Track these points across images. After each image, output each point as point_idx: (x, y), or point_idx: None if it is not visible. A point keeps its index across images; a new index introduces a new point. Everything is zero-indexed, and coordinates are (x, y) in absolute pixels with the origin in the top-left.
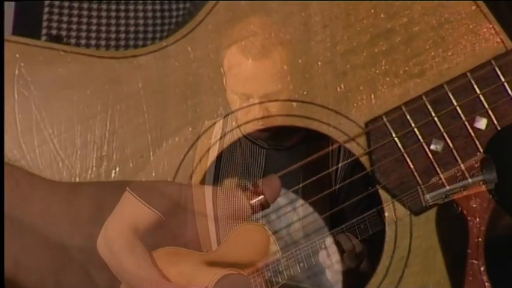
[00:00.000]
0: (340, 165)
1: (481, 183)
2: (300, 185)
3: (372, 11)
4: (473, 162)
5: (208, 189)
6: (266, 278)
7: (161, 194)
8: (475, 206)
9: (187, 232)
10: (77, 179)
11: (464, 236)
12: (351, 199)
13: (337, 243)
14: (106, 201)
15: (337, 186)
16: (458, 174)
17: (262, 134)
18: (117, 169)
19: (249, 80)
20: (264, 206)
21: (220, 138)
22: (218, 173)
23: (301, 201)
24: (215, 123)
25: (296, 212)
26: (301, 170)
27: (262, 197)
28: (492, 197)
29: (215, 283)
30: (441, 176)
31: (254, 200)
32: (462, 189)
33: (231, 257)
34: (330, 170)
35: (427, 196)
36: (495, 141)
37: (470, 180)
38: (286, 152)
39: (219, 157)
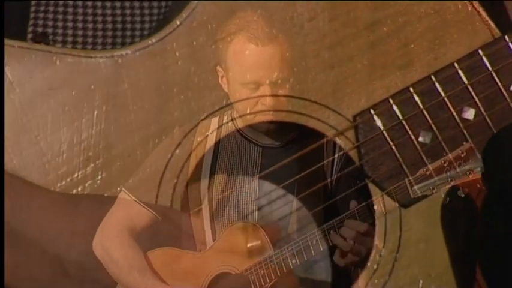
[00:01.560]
0: (334, 160)
1: (468, 173)
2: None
3: (358, 3)
4: (460, 152)
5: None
6: (260, 274)
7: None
8: (463, 196)
9: (183, 231)
10: (64, 181)
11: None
12: (344, 194)
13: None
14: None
15: (332, 181)
16: (445, 165)
17: (271, 125)
18: (104, 170)
19: (258, 67)
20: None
21: (216, 136)
22: (214, 170)
23: (295, 197)
24: (210, 121)
25: (290, 207)
26: (296, 166)
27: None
28: (481, 186)
29: (210, 282)
30: (429, 167)
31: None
32: (449, 179)
33: (225, 255)
34: (323, 163)
35: (415, 187)
36: (495, 140)
37: (457, 170)
38: (282, 150)
39: (215, 155)
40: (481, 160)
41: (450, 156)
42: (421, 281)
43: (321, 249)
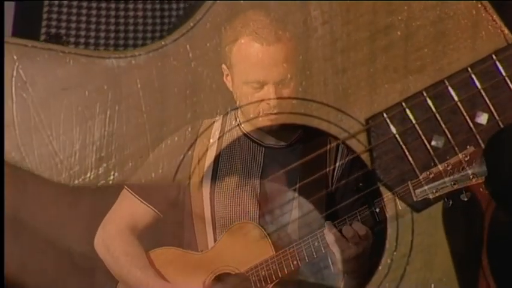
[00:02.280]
0: (337, 163)
1: (471, 176)
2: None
3: (371, 7)
4: (463, 156)
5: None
6: (260, 276)
7: (159, 191)
8: (466, 199)
9: (185, 231)
10: (76, 181)
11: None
12: (348, 196)
13: (340, 231)
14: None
15: (334, 183)
16: (448, 169)
17: (274, 126)
18: (117, 170)
19: (263, 66)
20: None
21: (219, 136)
22: (216, 170)
23: (297, 198)
24: (214, 122)
25: (291, 207)
26: (299, 168)
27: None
28: (483, 190)
29: (211, 282)
30: (432, 170)
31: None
32: (453, 183)
33: (226, 255)
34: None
35: (418, 191)
36: (494, 141)
37: (460, 174)
38: (285, 150)
39: (218, 155)
40: (484, 164)
41: (453, 160)
42: (432, 285)
43: (323, 251)
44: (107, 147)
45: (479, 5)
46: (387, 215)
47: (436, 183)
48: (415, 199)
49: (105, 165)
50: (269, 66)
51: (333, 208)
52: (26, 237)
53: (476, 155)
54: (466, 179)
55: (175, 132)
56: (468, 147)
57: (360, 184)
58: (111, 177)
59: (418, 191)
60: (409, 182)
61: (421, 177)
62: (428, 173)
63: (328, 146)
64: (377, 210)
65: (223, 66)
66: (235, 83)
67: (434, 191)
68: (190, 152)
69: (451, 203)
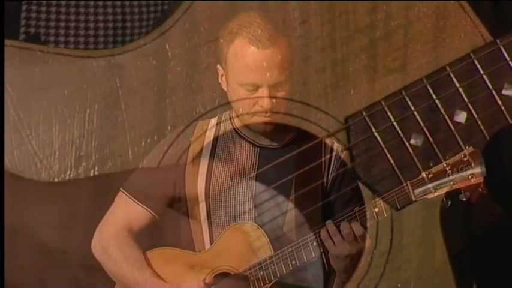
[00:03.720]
0: (332, 162)
1: (470, 177)
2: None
3: (351, 6)
4: (462, 156)
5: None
6: (258, 275)
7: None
8: (464, 199)
9: (181, 232)
10: (56, 180)
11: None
12: (343, 195)
13: (337, 227)
14: (84, 201)
15: (328, 183)
16: (447, 169)
17: (267, 126)
18: (96, 169)
19: (258, 69)
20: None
21: (214, 137)
22: (211, 171)
23: (293, 198)
24: (209, 123)
25: (287, 206)
26: (294, 167)
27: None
28: (482, 190)
29: (209, 281)
30: (431, 170)
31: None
32: (451, 183)
33: (224, 255)
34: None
35: (417, 191)
36: (494, 140)
37: (459, 174)
38: (279, 151)
39: (212, 155)
40: (483, 164)
41: (452, 160)
42: (412, 283)
43: (321, 250)
44: (87, 146)
45: (457, 5)
46: (385, 215)
47: (435, 183)
48: (413, 199)
49: (84, 164)
50: (264, 69)
51: (328, 207)
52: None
53: (476, 155)
54: (465, 179)
55: (155, 132)
56: (467, 147)
57: (357, 183)
58: (91, 176)
59: (417, 191)
60: (408, 182)
61: (419, 177)
62: (427, 173)
63: (322, 146)
64: (376, 210)
65: (219, 66)
66: (229, 84)
67: (433, 191)
68: (184, 153)
69: (449, 203)
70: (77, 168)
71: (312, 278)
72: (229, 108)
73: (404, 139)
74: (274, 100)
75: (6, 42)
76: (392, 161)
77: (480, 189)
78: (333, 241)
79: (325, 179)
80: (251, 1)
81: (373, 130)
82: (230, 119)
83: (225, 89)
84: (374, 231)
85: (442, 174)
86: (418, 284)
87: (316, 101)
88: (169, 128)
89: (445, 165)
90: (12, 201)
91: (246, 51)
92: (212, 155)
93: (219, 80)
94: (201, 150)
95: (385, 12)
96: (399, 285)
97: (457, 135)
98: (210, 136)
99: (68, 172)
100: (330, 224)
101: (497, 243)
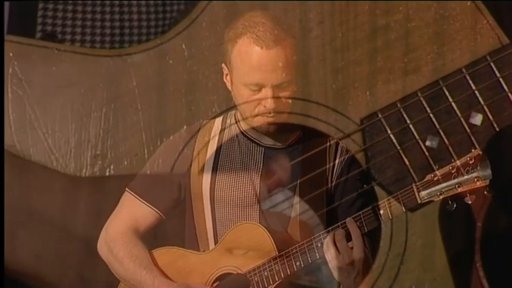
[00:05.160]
0: (336, 163)
1: (475, 179)
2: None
3: (367, 7)
4: (468, 159)
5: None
6: (263, 276)
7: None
8: (470, 202)
9: (186, 231)
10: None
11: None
12: (347, 196)
13: (347, 233)
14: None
15: (333, 183)
16: (453, 171)
17: (271, 126)
18: (112, 167)
19: (262, 69)
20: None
21: (219, 137)
22: (216, 171)
23: (297, 199)
24: (213, 123)
25: (292, 207)
26: (299, 167)
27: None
28: (488, 193)
29: (213, 282)
30: (437, 172)
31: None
32: (457, 186)
33: (228, 255)
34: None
35: (423, 193)
36: (494, 140)
37: (465, 177)
38: (284, 151)
39: (217, 154)
40: (489, 167)
41: (458, 162)
42: (426, 285)
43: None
44: (102, 145)
45: (474, 6)
46: (391, 218)
47: (441, 185)
48: (419, 201)
49: (100, 162)
50: (268, 69)
51: (333, 208)
52: (41, 227)
53: (481, 158)
54: (470, 181)
55: (171, 131)
56: (473, 150)
57: (365, 186)
58: (107, 175)
59: (422, 193)
60: (413, 185)
61: (425, 179)
62: (432, 175)
63: (327, 146)
64: (381, 212)
65: (223, 66)
66: (234, 84)
67: (438, 193)
68: (189, 152)
69: (455, 205)
70: (93, 166)
71: (325, 278)
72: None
73: (419, 141)
74: (280, 98)
75: (24, 40)
76: (407, 163)
77: (486, 193)
78: (338, 248)
79: (330, 180)
80: (268, 1)
81: (389, 132)
82: (235, 118)
83: (230, 88)
84: (388, 232)
85: (448, 176)
86: (433, 285)
87: (332, 102)
88: (184, 127)
89: (450, 167)
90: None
91: (250, 51)
92: (217, 155)
93: (224, 79)
94: (206, 149)
95: (401, 14)
96: (413, 286)
97: (472, 137)
98: (215, 136)
99: (84, 170)
100: (338, 231)
101: (502, 246)
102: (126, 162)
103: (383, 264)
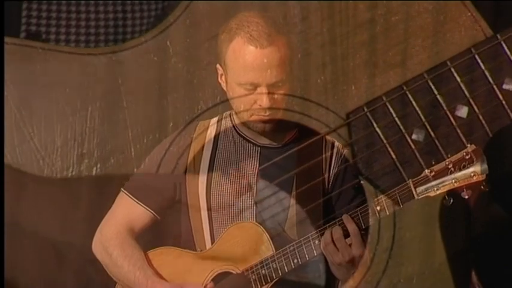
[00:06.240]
0: (333, 161)
1: (472, 174)
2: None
3: (351, 2)
4: (464, 154)
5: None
6: (260, 274)
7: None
8: (466, 197)
9: (182, 231)
10: (58, 177)
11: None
12: (344, 194)
13: (345, 230)
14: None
15: (330, 182)
16: (449, 167)
17: (267, 125)
18: (98, 166)
19: (256, 68)
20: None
21: (215, 137)
22: (212, 170)
23: (294, 198)
24: (209, 123)
25: (288, 205)
26: (295, 166)
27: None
28: (484, 188)
29: (210, 281)
30: (433, 168)
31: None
32: (454, 181)
33: (225, 254)
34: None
35: (419, 189)
36: (495, 140)
37: (461, 172)
38: (280, 150)
39: (213, 154)
40: (485, 162)
41: (454, 157)
42: (414, 279)
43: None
44: (89, 144)
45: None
46: (387, 213)
47: (437, 181)
48: (416, 197)
49: (86, 161)
50: (262, 69)
51: (330, 205)
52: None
53: (478, 153)
54: (467, 176)
55: (157, 129)
56: (469, 145)
57: (361, 183)
58: (94, 173)
59: (419, 188)
60: (410, 180)
61: (422, 175)
62: (429, 170)
63: (324, 145)
64: (378, 208)
65: (218, 66)
66: (229, 84)
67: (435, 188)
68: (185, 153)
69: (451, 200)
70: (79, 165)
71: (313, 275)
72: (230, 108)
73: (406, 134)
74: (275, 97)
75: (8, 39)
76: (394, 156)
77: (482, 187)
78: (336, 246)
79: (326, 177)
80: (272, 0)
81: (375, 126)
82: (231, 118)
83: (225, 89)
84: (376, 227)
85: (444, 172)
86: (421, 279)
87: (317, 97)
88: (171, 124)
89: (447, 163)
90: (16, 197)
91: (244, 51)
92: (213, 155)
93: (219, 79)
94: (202, 149)
95: (386, 7)
96: (402, 280)
97: (458, 130)
98: (210, 135)
99: (71, 169)
100: (336, 229)
101: (497, 242)
102: (112, 160)
103: (371, 259)
